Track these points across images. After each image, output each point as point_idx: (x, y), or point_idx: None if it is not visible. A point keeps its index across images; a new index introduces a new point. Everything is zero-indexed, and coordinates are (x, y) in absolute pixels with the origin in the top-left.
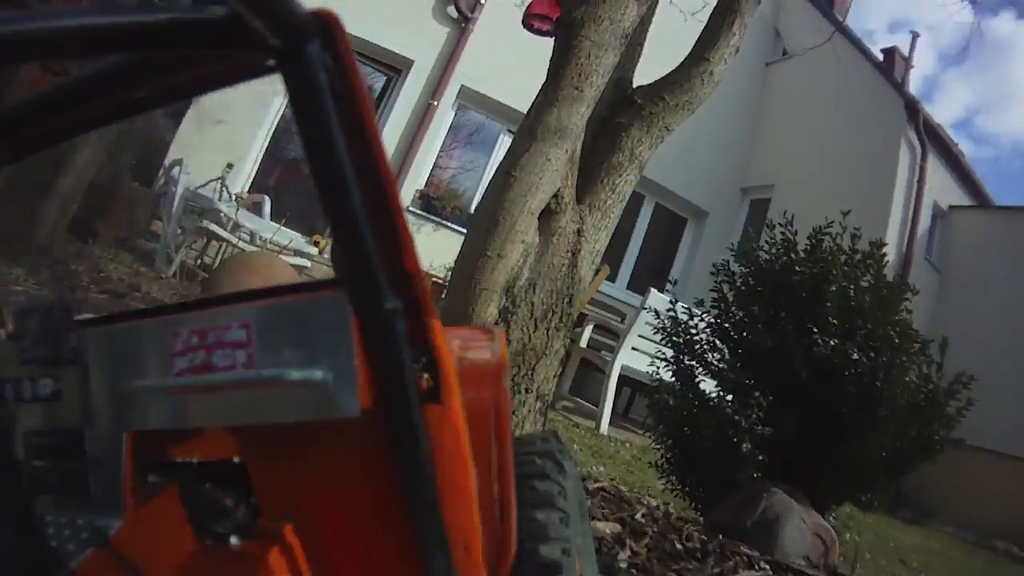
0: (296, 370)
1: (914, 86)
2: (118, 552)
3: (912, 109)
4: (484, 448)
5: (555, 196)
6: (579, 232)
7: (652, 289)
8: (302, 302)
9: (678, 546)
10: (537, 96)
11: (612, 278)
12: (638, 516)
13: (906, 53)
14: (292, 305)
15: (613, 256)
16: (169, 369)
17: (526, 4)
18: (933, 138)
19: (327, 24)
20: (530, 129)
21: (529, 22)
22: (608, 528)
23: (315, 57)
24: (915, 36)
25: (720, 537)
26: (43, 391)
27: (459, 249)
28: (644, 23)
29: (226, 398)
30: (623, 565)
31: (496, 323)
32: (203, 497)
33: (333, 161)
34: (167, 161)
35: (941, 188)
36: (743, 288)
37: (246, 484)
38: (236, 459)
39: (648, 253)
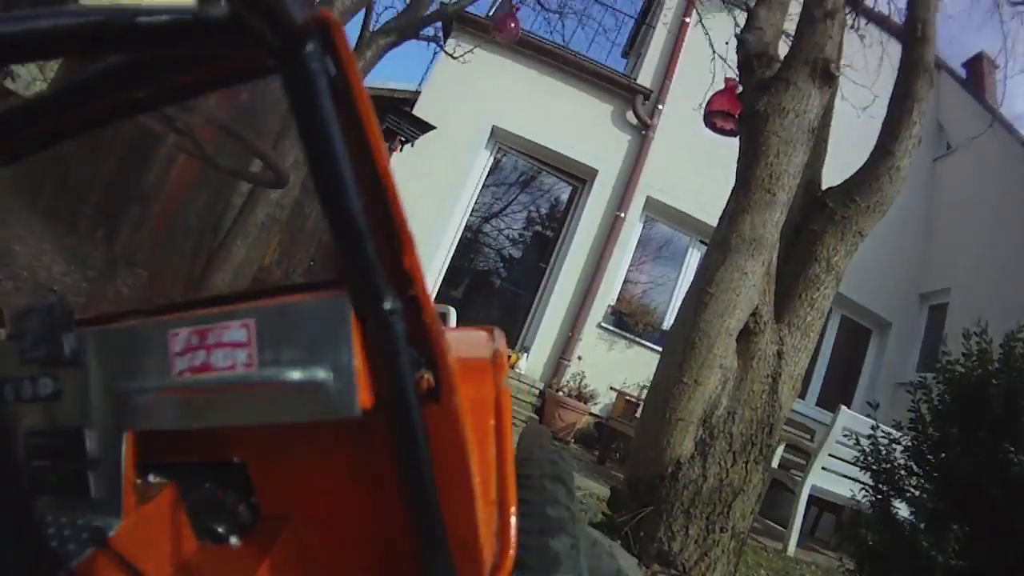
0: (296, 370)
1: None
2: (118, 552)
3: None
4: (484, 447)
5: (753, 314)
6: (779, 354)
7: (843, 407)
8: (302, 302)
9: None
10: (727, 203)
11: (802, 395)
12: None
13: None
14: (292, 305)
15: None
16: (169, 369)
17: (705, 103)
18: None
19: (326, 25)
20: (723, 240)
21: (711, 120)
22: None
23: (315, 58)
24: None
25: None
26: (43, 391)
27: (652, 373)
28: (825, 118)
29: (226, 398)
30: None
31: (692, 457)
32: (203, 497)
33: (332, 161)
34: None
35: None
36: (940, 407)
37: (246, 484)
38: (236, 459)
39: (835, 367)
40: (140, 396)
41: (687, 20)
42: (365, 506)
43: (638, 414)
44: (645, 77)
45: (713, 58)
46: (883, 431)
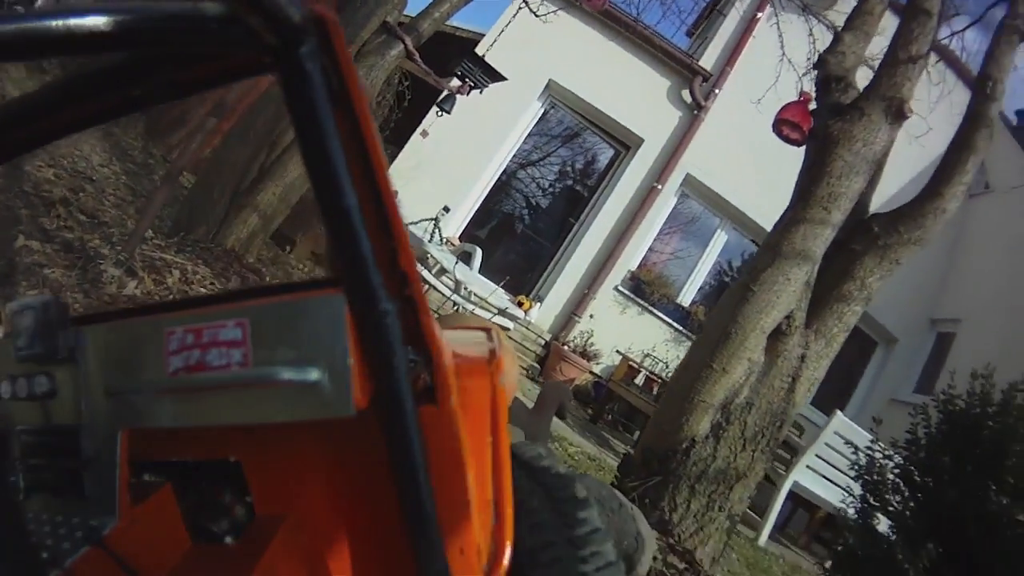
0: (291, 370)
1: None
2: (113, 551)
3: None
4: (480, 447)
5: (787, 317)
6: (803, 358)
7: (838, 412)
8: (298, 301)
9: None
10: (785, 212)
11: None
12: None
13: None
14: (288, 304)
15: None
16: (164, 368)
17: (763, 100)
18: None
19: (324, 25)
20: (775, 246)
21: (779, 128)
22: None
23: (312, 57)
24: None
25: None
26: (38, 389)
27: (658, 343)
28: (886, 149)
29: (221, 397)
30: None
31: (706, 437)
32: (198, 496)
33: (329, 161)
34: None
35: None
36: (936, 434)
37: (241, 483)
38: (231, 458)
39: (836, 371)
40: (135, 394)
41: (759, 15)
42: (360, 506)
43: (638, 381)
44: (707, 60)
45: (781, 59)
46: (880, 446)
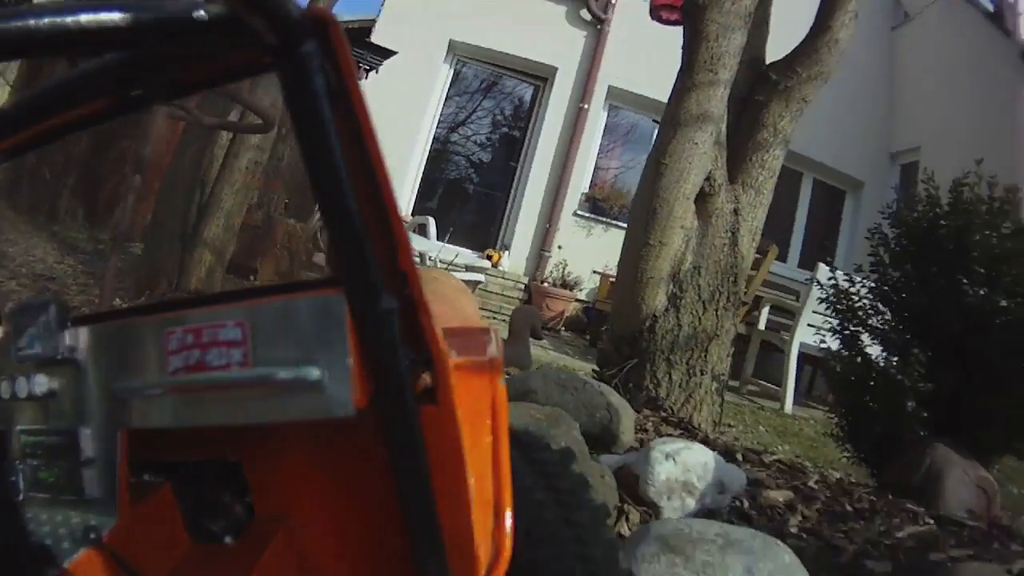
0: (291, 369)
1: None
2: (112, 551)
3: None
4: (480, 448)
5: (707, 179)
6: (736, 211)
7: (820, 264)
8: (298, 301)
9: (848, 508)
10: (675, 84)
11: (783, 258)
12: (811, 483)
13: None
14: (287, 304)
15: (780, 236)
16: (164, 368)
17: None
18: None
19: (324, 23)
20: (673, 117)
21: (657, 13)
22: (781, 496)
23: (312, 56)
24: None
25: (889, 496)
26: (37, 389)
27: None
28: (764, 1)
29: (221, 397)
30: (794, 530)
31: (666, 310)
32: (198, 496)
33: (329, 160)
34: None
35: None
36: (897, 249)
37: (241, 483)
38: (231, 458)
39: (813, 229)
40: (135, 395)
41: None
42: (360, 506)
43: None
44: None
45: None
46: (842, 274)
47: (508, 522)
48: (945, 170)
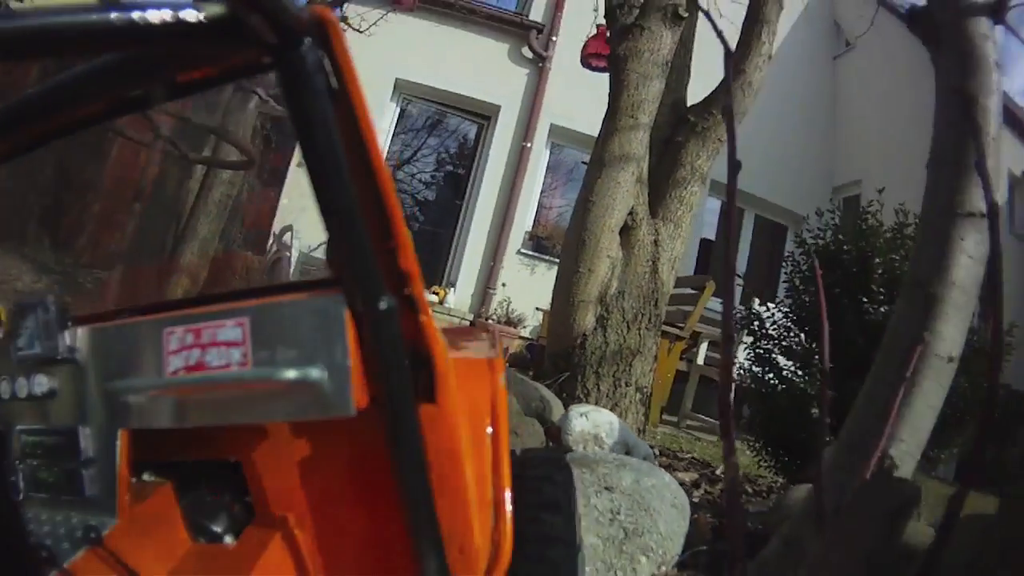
0: (291, 369)
1: None
2: (112, 551)
3: None
4: (479, 448)
5: (630, 214)
6: (656, 243)
7: (755, 300)
8: (298, 301)
9: (749, 490)
10: (601, 128)
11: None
12: (718, 472)
13: None
14: (287, 304)
15: (720, 271)
16: (164, 368)
17: (582, 47)
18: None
19: (323, 24)
20: (599, 158)
21: (587, 61)
22: (688, 477)
23: (311, 56)
24: None
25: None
26: (38, 389)
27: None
28: (687, 47)
29: (220, 397)
30: (696, 500)
31: (595, 329)
32: (198, 496)
33: (329, 160)
34: (276, 228)
35: (1015, 157)
36: (808, 274)
37: (240, 484)
38: (231, 459)
39: (756, 265)
40: (135, 394)
41: None
42: (360, 506)
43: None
44: (536, 13)
45: None
46: (758, 301)
47: (508, 521)
48: (886, 202)
